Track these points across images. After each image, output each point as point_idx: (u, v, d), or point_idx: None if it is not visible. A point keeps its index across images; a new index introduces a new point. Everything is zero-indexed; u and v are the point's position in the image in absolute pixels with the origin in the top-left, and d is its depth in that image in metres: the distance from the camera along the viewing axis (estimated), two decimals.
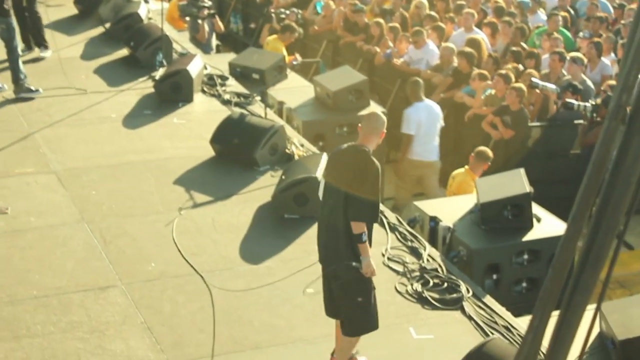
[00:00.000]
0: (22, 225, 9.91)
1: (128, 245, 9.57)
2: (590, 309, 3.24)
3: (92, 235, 9.72)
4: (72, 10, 17.43)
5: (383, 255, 9.39)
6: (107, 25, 16.57)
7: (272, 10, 18.79)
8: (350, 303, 7.18)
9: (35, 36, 15.12)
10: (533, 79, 13.99)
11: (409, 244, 9.65)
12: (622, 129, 3.00)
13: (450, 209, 10.51)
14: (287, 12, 18.09)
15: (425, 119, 13.92)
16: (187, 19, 18.28)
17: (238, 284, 8.84)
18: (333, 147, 12.89)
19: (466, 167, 12.00)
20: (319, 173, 10.19)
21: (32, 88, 13.44)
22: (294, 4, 19.99)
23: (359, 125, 7.27)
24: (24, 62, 13.93)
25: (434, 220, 10.24)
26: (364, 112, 13.79)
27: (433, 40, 16.73)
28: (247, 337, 8.02)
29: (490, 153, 12.03)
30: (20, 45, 13.89)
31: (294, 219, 10.10)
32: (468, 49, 15.52)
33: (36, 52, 15.07)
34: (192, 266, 9.10)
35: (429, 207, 10.59)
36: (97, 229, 9.86)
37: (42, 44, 15.07)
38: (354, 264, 7.03)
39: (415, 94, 14.06)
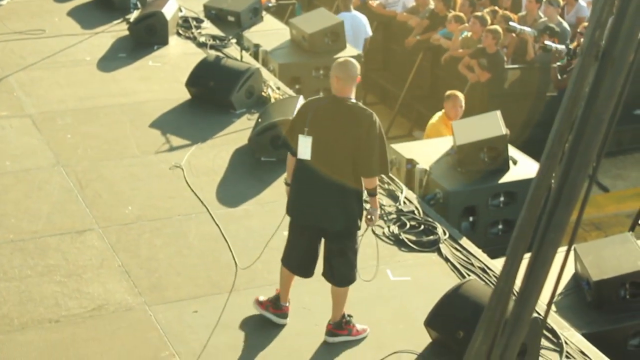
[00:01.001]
0: None
1: (104, 189, 9.55)
2: (562, 251, 3.26)
3: (68, 179, 9.68)
4: None
5: None
6: None
7: None
8: (347, 256, 7.20)
9: None
10: (511, 23, 13.96)
11: (386, 186, 9.66)
12: (595, 65, 3.00)
13: (426, 151, 10.53)
14: None
15: (350, 28, 14.62)
16: None
17: (214, 227, 8.84)
18: (309, 90, 13.03)
19: (442, 111, 11.94)
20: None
21: None
22: None
23: (335, 75, 7.03)
24: None
25: (411, 162, 10.26)
26: (340, 55, 13.75)
27: None
28: (225, 280, 8.04)
29: (460, 95, 11.88)
30: None
31: (271, 161, 10.09)
32: None
33: None
34: (202, 202, 9.09)
35: (406, 149, 10.60)
36: (72, 172, 9.82)
37: None
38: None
39: (345, 4, 15.16)
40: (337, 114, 7.03)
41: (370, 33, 15.28)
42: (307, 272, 7.41)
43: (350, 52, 13.85)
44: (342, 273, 7.24)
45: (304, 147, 7.02)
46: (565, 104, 3.03)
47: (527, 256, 3.22)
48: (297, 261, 7.36)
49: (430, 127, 11.80)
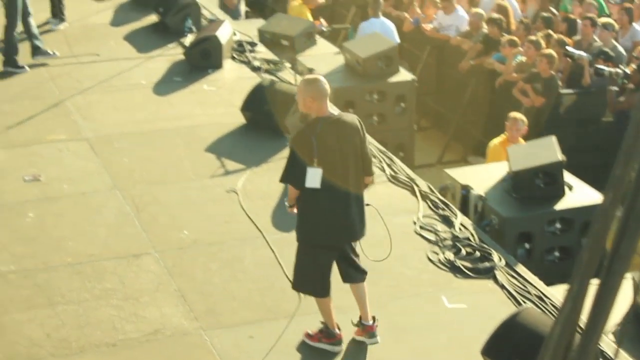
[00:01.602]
0: (55, 193, 9.97)
1: (160, 212, 9.62)
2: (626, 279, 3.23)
3: (124, 203, 9.77)
4: None
5: (415, 223, 9.39)
6: None
7: None
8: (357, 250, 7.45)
9: (55, 7, 14.97)
10: (568, 48, 13.90)
11: (441, 212, 9.63)
12: None
13: (481, 177, 10.48)
14: None
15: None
16: None
17: (269, 252, 8.86)
18: (363, 114, 13.02)
19: (503, 134, 11.87)
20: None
21: (49, 51, 13.51)
22: None
23: (310, 96, 7.01)
24: (50, 31, 13.96)
25: (466, 188, 10.22)
26: (393, 79, 13.78)
27: (462, 5, 16.62)
28: (280, 305, 8.05)
29: (524, 118, 11.88)
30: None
31: None
32: (497, 15, 15.42)
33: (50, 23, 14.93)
34: (257, 227, 9.11)
35: (460, 175, 10.57)
36: (129, 196, 9.91)
37: (60, 15, 14.93)
38: None
39: (374, 11, 15.86)
40: (338, 132, 7.11)
41: (397, 40, 15.56)
42: (351, 277, 7.50)
43: (404, 76, 13.86)
44: (361, 266, 7.43)
45: (314, 177, 7.03)
46: (631, 129, 2.99)
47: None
48: (328, 282, 7.37)
49: (490, 149, 11.78)
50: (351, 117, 7.31)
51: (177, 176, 10.41)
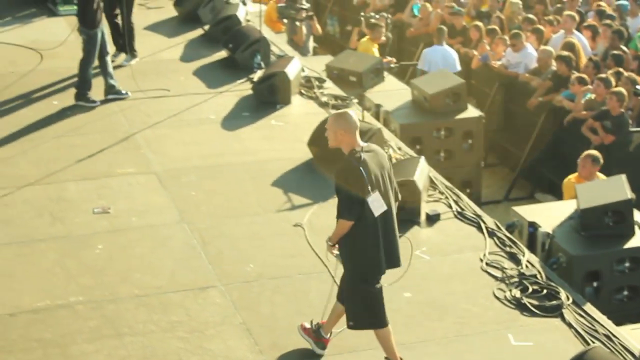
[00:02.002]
0: (123, 225, 10.09)
1: (226, 246, 9.68)
2: None
3: (191, 236, 9.85)
4: (171, 12, 17.65)
5: (481, 260, 9.33)
6: (206, 27, 16.75)
7: (362, 14, 18.80)
8: None
9: (127, 43, 15.15)
10: (638, 87, 13.78)
11: (508, 249, 9.56)
12: None
13: (549, 214, 10.41)
14: (377, 16, 18.07)
15: (441, 61, 16.17)
16: (285, 21, 18.41)
17: (335, 287, 8.83)
18: (430, 150, 13.06)
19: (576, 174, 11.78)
20: (417, 176, 10.18)
21: (122, 91, 13.69)
22: (391, 6, 19.96)
23: (342, 129, 7.21)
24: (116, 67, 14.19)
25: (533, 225, 10.15)
26: (461, 115, 13.76)
27: (531, 43, 16.56)
28: (345, 340, 8.02)
29: (594, 154, 11.76)
30: (111, 50, 14.06)
31: None
32: (567, 53, 15.34)
33: (122, 58, 15.11)
34: (323, 262, 9.10)
35: (528, 212, 10.50)
36: (196, 229, 9.99)
37: (131, 52, 15.13)
38: None
39: (438, 39, 16.59)
40: (376, 160, 7.24)
41: (458, 68, 16.33)
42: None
43: (471, 112, 13.84)
44: None
45: (377, 203, 7.13)
46: None
47: None
48: (384, 310, 7.42)
49: (565, 186, 11.70)
50: (378, 146, 7.55)
51: (244, 210, 10.47)
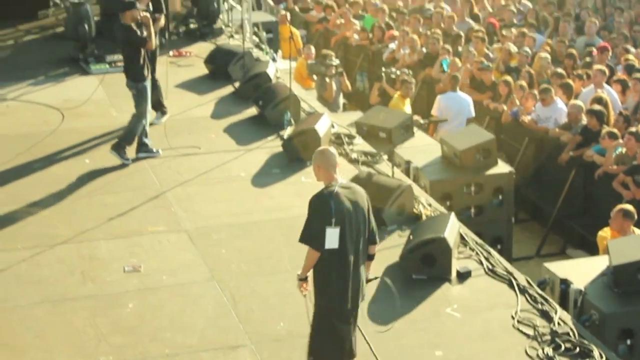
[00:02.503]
0: (154, 284, 10.12)
1: (257, 304, 9.68)
2: None
3: (222, 294, 9.86)
4: (202, 70, 17.80)
5: (513, 318, 9.28)
6: (237, 84, 16.88)
7: (383, 70, 18.88)
8: None
9: (155, 100, 15.26)
10: None
11: (540, 306, 9.51)
12: None
13: (581, 271, 10.33)
14: (398, 72, 18.13)
15: (456, 106, 16.64)
16: (315, 77, 18.50)
17: (365, 345, 8.80)
18: (460, 206, 13.01)
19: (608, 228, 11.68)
20: (447, 232, 10.17)
21: (153, 149, 13.76)
22: (420, 61, 20.03)
23: (318, 165, 7.61)
24: (152, 124, 14.29)
25: (565, 282, 10.07)
26: (491, 171, 13.74)
27: (561, 97, 16.55)
28: None
29: (627, 209, 11.67)
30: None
31: (422, 279, 10.05)
32: (598, 107, 15.31)
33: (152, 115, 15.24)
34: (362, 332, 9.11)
35: (559, 269, 10.42)
36: (226, 287, 10.01)
37: (161, 109, 15.23)
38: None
39: (452, 85, 17.00)
40: (350, 197, 7.47)
41: (473, 114, 16.84)
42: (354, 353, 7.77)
43: (502, 168, 13.82)
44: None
45: (332, 238, 7.36)
46: None
47: None
48: (352, 345, 7.69)
49: (600, 240, 11.61)
50: (360, 187, 7.72)
51: (274, 268, 10.48)
